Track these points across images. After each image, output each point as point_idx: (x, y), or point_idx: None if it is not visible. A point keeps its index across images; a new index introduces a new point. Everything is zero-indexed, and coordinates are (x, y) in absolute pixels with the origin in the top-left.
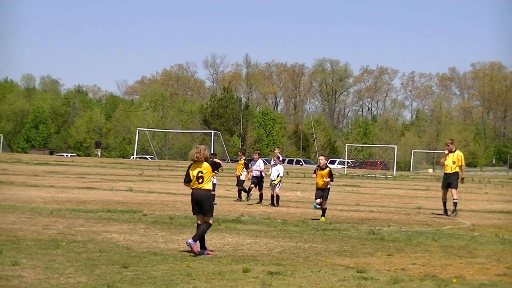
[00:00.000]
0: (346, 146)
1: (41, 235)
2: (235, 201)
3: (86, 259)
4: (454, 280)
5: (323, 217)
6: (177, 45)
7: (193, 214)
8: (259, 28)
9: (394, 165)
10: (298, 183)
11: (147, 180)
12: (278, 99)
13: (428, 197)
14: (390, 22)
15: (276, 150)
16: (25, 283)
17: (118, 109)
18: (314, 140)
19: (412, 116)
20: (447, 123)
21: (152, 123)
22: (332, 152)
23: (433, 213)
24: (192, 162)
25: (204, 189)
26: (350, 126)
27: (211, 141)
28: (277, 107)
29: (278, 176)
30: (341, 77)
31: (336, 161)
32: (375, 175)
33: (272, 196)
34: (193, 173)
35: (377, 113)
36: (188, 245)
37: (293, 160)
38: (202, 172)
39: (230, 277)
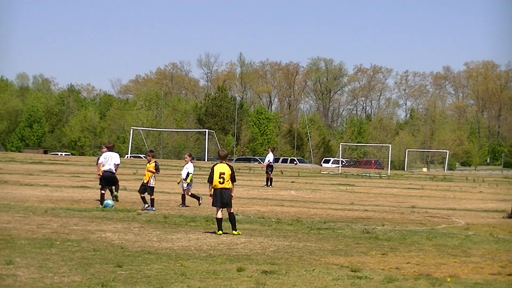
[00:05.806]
0: (341, 145)
1: (35, 234)
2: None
3: (80, 258)
4: (449, 279)
5: (150, 207)
6: (171, 44)
7: None
8: (253, 27)
9: (388, 164)
10: (292, 182)
11: (141, 179)
12: (272, 98)
13: (422, 196)
14: (384, 21)
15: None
16: (19, 282)
17: (112, 108)
18: (308, 139)
19: (406, 115)
20: (442, 122)
21: (146, 122)
22: (327, 151)
23: None
24: None
25: None
26: (344, 125)
27: (205, 140)
28: (271, 106)
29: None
30: (335, 76)
31: (330, 160)
32: (369, 174)
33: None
34: None
35: (371, 112)
36: None
37: (287, 159)
38: None
39: (224, 276)
